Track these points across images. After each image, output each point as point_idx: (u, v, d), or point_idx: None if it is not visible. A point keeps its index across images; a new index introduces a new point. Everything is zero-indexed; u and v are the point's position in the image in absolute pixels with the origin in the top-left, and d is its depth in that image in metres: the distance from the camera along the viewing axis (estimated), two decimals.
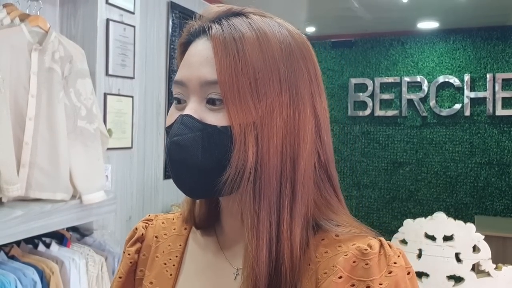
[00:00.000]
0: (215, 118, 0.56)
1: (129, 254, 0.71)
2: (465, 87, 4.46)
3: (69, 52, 1.60)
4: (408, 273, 0.54)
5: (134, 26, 2.00)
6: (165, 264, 0.69)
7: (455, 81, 4.51)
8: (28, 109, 1.46)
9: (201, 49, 0.59)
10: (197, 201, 0.68)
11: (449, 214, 4.52)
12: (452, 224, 1.50)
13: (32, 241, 1.57)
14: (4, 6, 1.51)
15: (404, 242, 1.67)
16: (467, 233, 1.48)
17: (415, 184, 4.68)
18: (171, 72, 3.17)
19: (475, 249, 1.48)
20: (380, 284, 0.52)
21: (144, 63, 2.92)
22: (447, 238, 1.51)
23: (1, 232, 1.30)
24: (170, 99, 3.17)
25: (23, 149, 1.44)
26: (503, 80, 4.33)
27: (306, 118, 0.58)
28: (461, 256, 1.49)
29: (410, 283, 0.53)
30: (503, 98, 4.33)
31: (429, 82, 4.61)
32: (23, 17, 1.53)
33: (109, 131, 1.86)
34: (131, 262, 0.71)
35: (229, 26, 0.58)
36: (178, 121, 0.58)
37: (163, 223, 0.74)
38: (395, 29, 4.64)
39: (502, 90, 4.34)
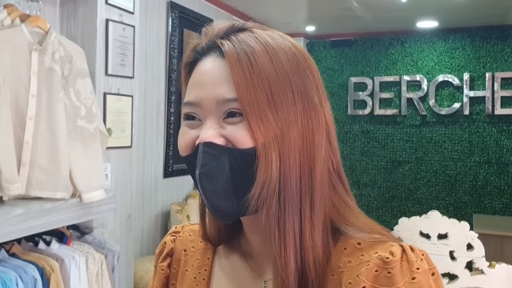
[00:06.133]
0: (236, 134, 0.56)
1: (162, 270, 0.73)
2: (464, 86, 4.47)
3: (69, 52, 1.62)
4: (433, 274, 0.55)
5: (133, 26, 2.02)
6: (195, 278, 0.70)
7: (454, 80, 4.52)
8: (29, 108, 1.47)
9: (211, 66, 0.58)
10: (207, 221, 0.69)
11: (448, 212, 4.53)
12: (446, 223, 1.51)
13: (33, 239, 1.59)
14: (5, 6, 1.53)
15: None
16: (461, 231, 1.49)
17: (414, 182, 4.69)
18: (170, 71, 3.19)
19: (469, 247, 1.50)
20: None
21: (144, 62, 2.93)
22: (442, 236, 1.52)
23: (2, 230, 1.32)
24: (170, 98, 3.19)
25: (24, 148, 1.46)
26: (502, 79, 4.34)
27: (318, 125, 0.59)
28: (455, 254, 1.50)
29: (435, 284, 0.54)
30: (502, 97, 4.34)
31: (428, 81, 4.62)
32: (24, 18, 1.54)
33: (109, 130, 1.88)
34: (165, 277, 0.73)
35: (239, 41, 0.58)
36: (200, 151, 0.56)
37: (190, 235, 0.75)
38: (394, 28, 4.65)
39: (501, 89, 4.34)
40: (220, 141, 0.56)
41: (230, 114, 0.57)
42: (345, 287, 0.55)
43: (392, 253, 0.54)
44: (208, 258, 0.71)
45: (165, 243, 0.75)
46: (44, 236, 1.62)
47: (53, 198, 1.51)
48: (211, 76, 0.58)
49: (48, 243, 1.60)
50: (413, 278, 0.53)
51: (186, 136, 0.60)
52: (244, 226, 0.66)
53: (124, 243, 2.01)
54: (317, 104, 0.59)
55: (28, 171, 1.47)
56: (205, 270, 0.70)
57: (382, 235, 0.58)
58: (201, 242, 0.73)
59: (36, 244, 1.59)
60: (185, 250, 0.73)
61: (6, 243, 1.45)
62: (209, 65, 0.59)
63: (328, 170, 0.61)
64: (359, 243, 0.58)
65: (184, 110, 0.61)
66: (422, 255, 0.55)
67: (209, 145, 0.56)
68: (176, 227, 0.77)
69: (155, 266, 0.75)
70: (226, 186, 0.56)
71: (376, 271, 0.54)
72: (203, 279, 0.69)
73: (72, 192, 1.57)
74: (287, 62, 0.58)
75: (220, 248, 0.71)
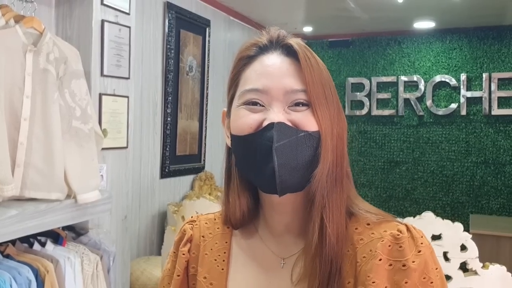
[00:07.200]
0: (303, 119, 0.67)
1: (183, 254, 0.80)
2: (461, 87, 4.48)
3: (64, 53, 1.61)
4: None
5: (129, 27, 2.02)
6: (215, 260, 0.78)
7: (451, 80, 4.53)
8: (23, 109, 1.47)
9: (278, 61, 0.69)
10: (230, 205, 0.76)
11: (445, 212, 4.54)
12: (440, 223, 1.52)
13: (27, 240, 1.58)
14: None
15: None
16: (455, 232, 1.49)
17: (411, 183, 4.70)
18: (167, 72, 3.19)
19: (463, 248, 1.50)
20: (413, 262, 0.63)
21: (140, 63, 2.93)
22: (435, 237, 1.53)
23: None
24: (167, 98, 3.19)
25: (18, 149, 1.46)
26: (499, 79, 4.35)
27: (345, 127, 0.72)
28: (449, 255, 1.50)
29: (432, 258, 0.65)
30: (499, 98, 4.35)
31: (425, 81, 4.63)
32: (18, 19, 1.54)
33: (104, 131, 1.87)
34: (186, 261, 0.80)
35: (299, 45, 0.70)
36: (275, 129, 0.65)
37: (206, 223, 0.82)
38: (391, 28, 4.66)
39: (498, 90, 4.36)
40: (289, 124, 0.66)
41: (297, 103, 0.67)
42: (360, 260, 0.66)
43: (400, 231, 0.66)
44: (226, 242, 0.78)
45: (184, 230, 0.82)
46: (39, 237, 1.62)
47: (48, 199, 1.51)
48: (279, 69, 0.69)
49: (43, 244, 1.59)
50: (419, 251, 0.64)
51: (250, 118, 0.69)
52: (269, 208, 0.74)
53: (120, 244, 2.01)
54: (342, 109, 0.72)
55: (22, 172, 1.47)
56: (224, 252, 0.78)
57: (385, 216, 0.69)
58: (218, 228, 0.80)
59: (31, 245, 1.58)
60: (203, 236, 0.80)
61: (0, 244, 1.45)
62: (276, 60, 0.70)
63: None
64: (368, 224, 0.69)
65: (248, 96, 0.69)
66: (422, 234, 0.67)
67: (282, 124, 0.66)
68: (192, 217, 0.85)
69: (174, 252, 0.82)
70: (295, 161, 0.65)
71: (389, 246, 0.65)
72: (223, 260, 0.77)
73: (67, 193, 1.56)
74: (324, 69, 0.71)
75: (237, 233, 0.79)
